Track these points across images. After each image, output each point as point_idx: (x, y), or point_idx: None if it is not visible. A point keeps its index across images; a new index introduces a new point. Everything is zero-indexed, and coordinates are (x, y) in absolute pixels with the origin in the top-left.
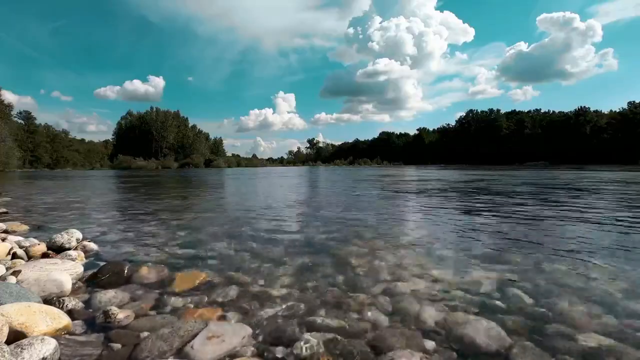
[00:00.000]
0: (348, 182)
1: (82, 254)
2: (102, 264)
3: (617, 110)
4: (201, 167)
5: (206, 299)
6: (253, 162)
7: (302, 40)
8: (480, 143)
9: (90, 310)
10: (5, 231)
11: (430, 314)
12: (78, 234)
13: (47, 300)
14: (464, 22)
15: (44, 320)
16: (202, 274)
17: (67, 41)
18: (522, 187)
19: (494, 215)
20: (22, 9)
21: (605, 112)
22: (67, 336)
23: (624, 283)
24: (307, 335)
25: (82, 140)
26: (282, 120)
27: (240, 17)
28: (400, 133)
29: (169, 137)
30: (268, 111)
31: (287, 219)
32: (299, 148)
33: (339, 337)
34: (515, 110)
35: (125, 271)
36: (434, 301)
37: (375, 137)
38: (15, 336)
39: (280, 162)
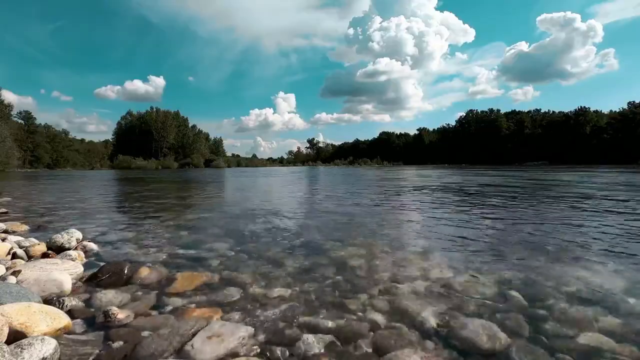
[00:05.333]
0: (348, 182)
1: (82, 254)
2: (102, 264)
3: (617, 110)
4: (201, 167)
5: (206, 299)
6: (253, 162)
7: (302, 40)
8: (480, 143)
9: (91, 310)
10: (5, 231)
11: (430, 314)
12: (78, 234)
13: (47, 300)
14: (464, 23)
15: (44, 320)
16: (202, 274)
17: (67, 41)
18: (522, 188)
19: (493, 216)
20: (22, 9)
21: (605, 112)
22: (67, 336)
23: (623, 282)
24: (306, 336)
25: (82, 140)
26: (282, 120)
27: (240, 17)
28: (400, 133)
29: (169, 137)
30: (268, 111)
31: (287, 219)
32: (299, 148)
33: (338, 338)
34: (515, 110)
35: (125, 271)
36: (434, 301)
37: (375, 137)
38: (15, 336)
39: (280, 162)
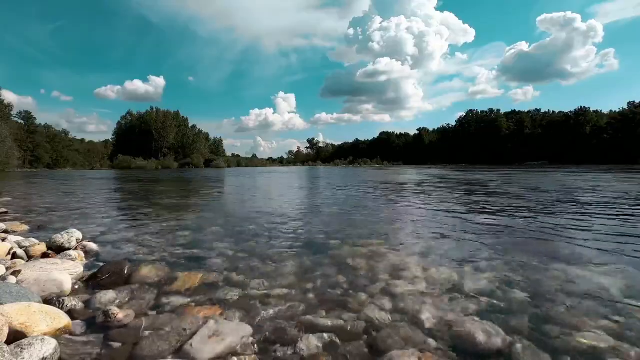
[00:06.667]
0: (348, 182)
1: (82, 254)
2: (102, 264)
3: (617, 110)
4: (201, 167)
5: (206, 298)
6: (253, 162)
7: (302, 40)
8: (480, 143)
9: (90, 310)
10: (5, 231)
11: (430, 314)
12: (78, 234)
13: (47, 300)
14: (464, 23)
15: (44, 320)
16: (202, 273)
17: (67, 41)
18: (522, 188)
19: (493, 216)
20: (22, 9)
21: (605, 112)
22: (67, 336)
23: (623, 282)
24: (306, 335)
25: (82, 140)
26: (283, 120)
27: (240, 17)
28: (400, 133)
29: (169, 137)
30: (268, 111)
31: (287, 219)
32: (299, 148)
33: (338, 337)
34: (515, 110)
35: (125, 271)
36: (434, 301)
37: (376, 137)
38: (15, 336)
39: (280, 162)
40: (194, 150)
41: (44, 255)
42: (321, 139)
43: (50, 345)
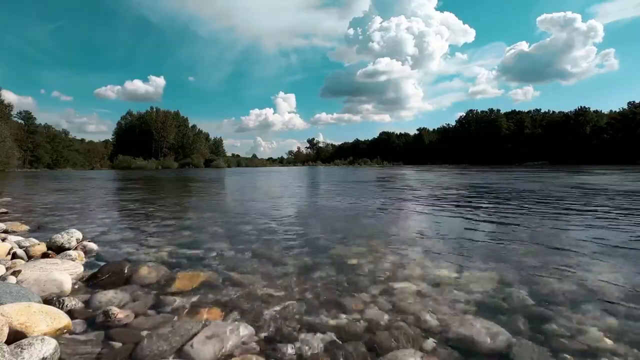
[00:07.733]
0: (348, 181)
1: (82, 254)
2: (102, 264)
3: (617, 110)
4: (201, 167)
5: (206, 298)
6: (253, 162)
7: (302, 40)
8: (480, 143)
9: (90, 310)
10: (5, 231)
11: (430, 314)
12: (78, 234)
13: (47, 300)
14: (464, 23)
15: (44, 320)
16: (202, 273)
17: (67, 41)
18: (522, 188)
19: (493, 216)
20: (22, 9)
21: (605, 112)
22: (67, 336)
23: (623, 282)
24: (307, 335)
25: (82, 140)
26: (283, 120)
27: (240, 17)
28: (400, 133)
29: (169, 137)
30: (268, 111)
31: (287, 219)
32: (299, 148)
33: (338, 337)
34: (515, 110)
35: (125, 271)
36: (434, 301)
37: (375, 137)
38: (15, 336)
39: (280, 162)
40: (194, 150)
41: (44, 255)
42: (321, 139)
43: (50, 345)
